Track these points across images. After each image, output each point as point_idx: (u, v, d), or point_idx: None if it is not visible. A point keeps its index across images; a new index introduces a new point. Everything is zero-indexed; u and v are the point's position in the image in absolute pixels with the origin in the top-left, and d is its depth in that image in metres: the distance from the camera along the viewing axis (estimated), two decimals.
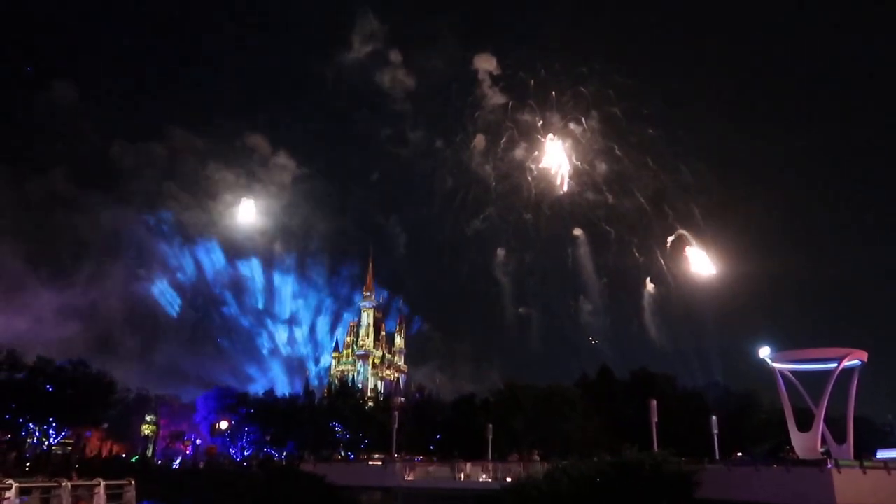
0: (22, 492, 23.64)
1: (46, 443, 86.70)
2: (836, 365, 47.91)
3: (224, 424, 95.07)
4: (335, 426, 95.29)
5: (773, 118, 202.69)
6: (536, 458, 58.10)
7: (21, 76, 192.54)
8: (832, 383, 48.23)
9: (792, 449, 52.20)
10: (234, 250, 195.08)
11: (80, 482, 27.78)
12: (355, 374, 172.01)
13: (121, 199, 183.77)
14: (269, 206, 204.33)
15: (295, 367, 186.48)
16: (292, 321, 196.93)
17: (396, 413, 74.65)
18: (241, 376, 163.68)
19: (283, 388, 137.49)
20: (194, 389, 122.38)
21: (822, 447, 48.67)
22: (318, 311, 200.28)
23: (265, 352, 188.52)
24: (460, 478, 54.74)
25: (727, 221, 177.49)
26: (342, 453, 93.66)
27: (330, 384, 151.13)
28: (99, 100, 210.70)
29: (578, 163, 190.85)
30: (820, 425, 48.10)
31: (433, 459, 72.56)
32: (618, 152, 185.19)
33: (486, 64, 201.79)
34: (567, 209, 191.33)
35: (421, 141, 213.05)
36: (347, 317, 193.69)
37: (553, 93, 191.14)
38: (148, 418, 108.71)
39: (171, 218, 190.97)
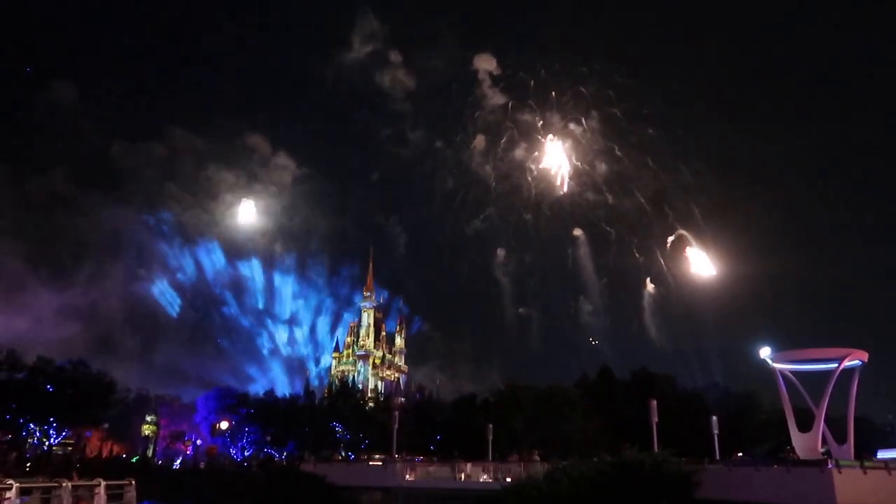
0: (22, 492, 23.63)
1: (47, 443, 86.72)
2: (836, 365, 47.90)
3: (224, 425, 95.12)
4: (335, 426, 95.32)
5: (773, 118, 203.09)
6: (537, 458, 58.13)
7: (21, 76, 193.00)
8: (833, 383, 48.23)
9: (792, 449, 52.18)
10: (235, 250, 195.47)
11: (81, 482, 27.78)
12: (356, 374, 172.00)
13: (121, 200, 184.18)
14: (270, 207, 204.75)
15: (295, 367, 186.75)
16: (292, 321, 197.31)
17: (397, 413, 74.67)
18: (241, 376, 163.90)
19: (283, 388, 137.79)
20: (194, 389, 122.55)
21: (822, 447, 48.68)
22: (318, 312, 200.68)
23: (265, 352, 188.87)
24: (460, 478, 54.74)
25: (727, 221, 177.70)
26: (342, 453, 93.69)
27: (330, 384, 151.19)
28: (99, 100, 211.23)
29: (578, 163, 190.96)
30: (820, 425, 48.09)
31: (433, 460, 72.64)
32: (618, 152, 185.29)
33: (486, 64, 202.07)
34: (567, 209, 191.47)
35: (421, 141, 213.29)
36: (348, 317, 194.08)
37: (553, 93, 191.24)
38: (148, 418, 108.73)
39: (172, 218, 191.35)
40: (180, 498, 61.77)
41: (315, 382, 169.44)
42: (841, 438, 48.94)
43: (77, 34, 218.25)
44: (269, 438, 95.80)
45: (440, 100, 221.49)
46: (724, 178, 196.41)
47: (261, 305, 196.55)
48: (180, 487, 65.11)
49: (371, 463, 69.55)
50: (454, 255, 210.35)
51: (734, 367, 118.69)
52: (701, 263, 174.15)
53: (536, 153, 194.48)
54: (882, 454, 59.61)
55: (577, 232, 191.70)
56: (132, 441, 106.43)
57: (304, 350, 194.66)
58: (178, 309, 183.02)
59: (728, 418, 67.45)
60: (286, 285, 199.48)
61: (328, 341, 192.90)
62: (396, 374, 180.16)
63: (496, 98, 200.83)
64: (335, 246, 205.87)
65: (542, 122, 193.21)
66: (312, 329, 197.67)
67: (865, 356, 49.28)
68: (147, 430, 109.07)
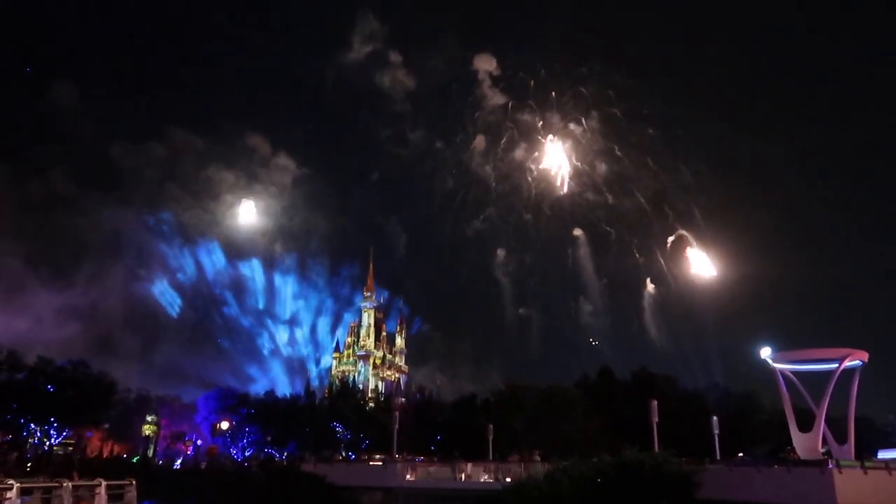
0: (23, 492, 23.68)
1: (47, 443, 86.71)
2: (837, 365, 47.94)
3: (225, 425, 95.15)
4: (336, 427, 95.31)
5: (773, 118, 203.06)
6: (537, 458, 58.20)
7: (21, 76, 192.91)
8: (833, 384, 48.24)
9: (793, 449, 52.20)
10: (235, 251, 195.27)
11: (82, 482, 27.83)
12: (356, 374, 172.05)
13: (121, 200, 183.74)
14: (270, 207, 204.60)
15: (296, 367, 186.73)
16: (293, 321, 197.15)
17: (397, 413, 74.72)
18: (241, 377, 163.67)
19: (283, 388, 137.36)
20: (195, 390, 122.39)
21: (823, 447, 48.73)
22: (318, 312, 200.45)
23: (266, 352, 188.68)
24: (461, 478, 54.79)
25: (727, 222, 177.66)
26: (343, 454, 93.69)
27: (331, 384, 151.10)
28: (99, 100, 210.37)
29: (578, 163, 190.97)
30: (821, 426, 48.11)
31: (434, 460, 72.69)
32: (618, 153, 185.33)
33: (486, 64, 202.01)
34: (567, 210, 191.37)
35: (421, 141, 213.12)
36: (348, 317, 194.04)
37: (553, 93, 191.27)
38: (149, 419, 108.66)
39: (172, 218, 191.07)
40: (181, 498, 61.79)
41: (315, 383, 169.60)
42: (841, 439, 48.96)
43: (77, 34, 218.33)
44: (269, 439, 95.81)
45: (440, 100, 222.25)
46: (724, 178, 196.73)
47: (261, 306, 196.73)
48: (181, 487, 65.11)
49: (371, 463, 69.68)
50: (454, 255, 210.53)
51: (735, 367, 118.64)
52: (701, 264, 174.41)
53: (536, 153, 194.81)
54: (883, 454, 59.73)
55: (577, 232, 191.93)
56: (133, 441, 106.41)
57: (305, 350, 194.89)
58: (178, 309, 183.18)
59: (728, 418, 67.49)
60: (286, 285, 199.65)
61: (328, 341, 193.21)
62: (397, 375, 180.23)
63: (496, 98, 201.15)
64: (335, 246, 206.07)
65: (542, 123, 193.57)
66: (313, 329, 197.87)
67: (866, 356, 49.30)
68: (148, 430, 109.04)
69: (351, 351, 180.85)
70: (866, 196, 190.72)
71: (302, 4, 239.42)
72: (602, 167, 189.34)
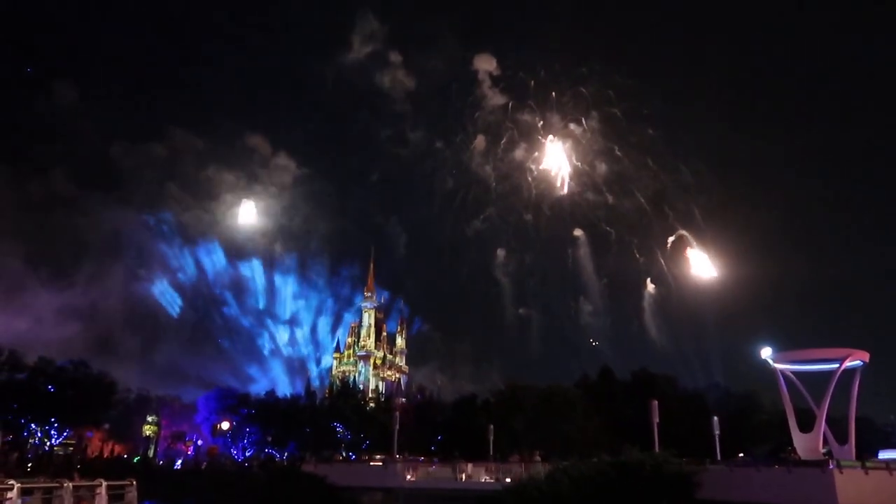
0: (24, 492, 23.66)
1: (48, 443, 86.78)
2: (837, 365, 47.91)
3: (225, 425, 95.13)
4: (336, 427, 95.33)
5: (773, 118, 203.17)
6: (537, 458, 58.19)
7: (21, 76, 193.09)
8: (834, 384, 48.21)
9: (793, 449, 52.21)
10: (235, 251, 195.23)
11: (82, 483, 27.81)
12: (356, 374, 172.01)
13: (121, 200, 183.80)
14: (270, 207, 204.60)
15: (296, 367, 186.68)
16: (293, 322, 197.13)
17: (398, 414, 74.78)
18: (242, 377, 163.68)
19: (284, 388, 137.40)
20: (195, 390, 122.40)
21: (823, 448, 48.72)
22: (318, 312, 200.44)
23: (266, 352, 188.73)
24: (461, 478, 54.79)
25: (727, 222, 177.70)
26: (343, 454, 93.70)
27: (331, 385, 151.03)
28: (99, 100, 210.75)
29: (578, 163, 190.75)
30: (822, 426, 48.09)
31: (434, 460, 72.61)
32: (618, 153, 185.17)
33: (486, 64, 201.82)
34: (567, 210, 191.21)
35: (421, 141, 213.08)
36: (348, 317, 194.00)
37: (553, 93, 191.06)
38: (149, 419, 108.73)
39: (172, 218, 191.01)
40: (181, 498, 61.80)
41: (316, 383, 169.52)
42: (842, 439, 48.94)
43: (77, 34, 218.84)
44: (269, 439, 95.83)
45: (440, 100, 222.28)
46: (724, 178, 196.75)
47: (261, 306, 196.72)
48: (181, 488, 65.15)
49: (372, 463, 69.64)
50: (454, 256, 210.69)
51: (735, 367, 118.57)
52: (701, 264, 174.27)
53: (536, 153, 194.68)
54: (883, 454, 59.69)
55: (578, 232, 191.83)
56: (133, 441, 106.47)
57: (305, 350, 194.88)
58: (178, 309, 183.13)
59: (729, 419, 67.50)
60: (286, 286, 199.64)
61: (329, 342, 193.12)
62: (397, 375, 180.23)
63: (496, 98, 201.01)
64: (335, 246, 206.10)
65: (542, 123, 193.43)
66: (313, 329, 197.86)
67: (867, 356, 49.28)
68: (148, 430, 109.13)
69: (351, 351, 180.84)
70: (866, 196, 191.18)
71: (302, 4, 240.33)
72: (602, 167, 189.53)
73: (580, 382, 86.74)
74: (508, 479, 49.98)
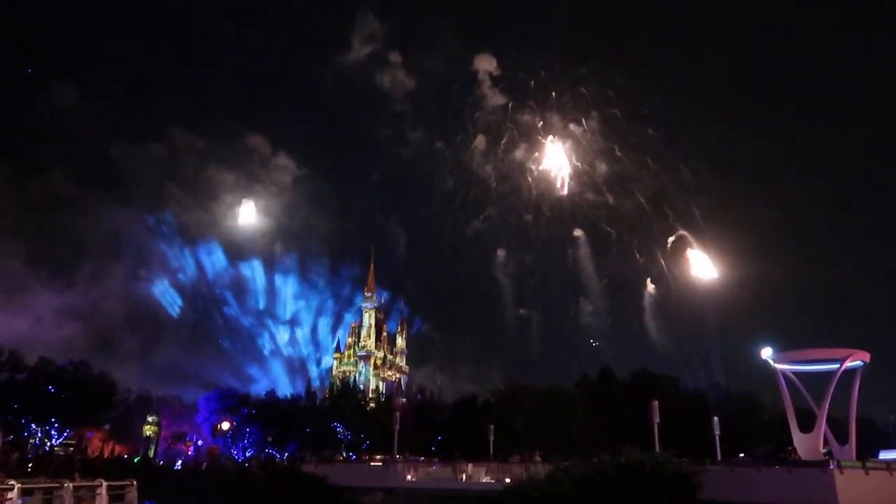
0: (24, 493, 23.70)
1: (48, 444, 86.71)
2: (838, 366, 47.89)
3: (226, 425, 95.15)
4: (337, 427, 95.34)
5: (773, 118, 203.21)
6: (538, 458, 58.16)
7: (21, 76, 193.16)
8: (834, 384, 48.19)
9: (794, 450, 52.21)
10: (235, 251, 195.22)
11: (83, 483, 27.86)
12: (357, 374, 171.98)
13: (121, 200, 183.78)
14: (270, 207, 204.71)
15: (296, 367, 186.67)
16: (293, 322, 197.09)
17: (398, 414, 74.77)
18: (242, 377, 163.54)
19: (284, 388, 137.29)
20: (195, 390, 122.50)
21: (824, 448, 48.70)
22: (319, 312, 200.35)
23: (266, 352, 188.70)
24: (462, 478, 54.77)
25: (727, 222, 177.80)
26: (344, 454, 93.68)
27: (331, 385, 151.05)
28: (99, 100, 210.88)
29: (578, 163, 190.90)
30: (822, 426, 48.07)
31: (435, 460, 72.64)
32: (618, 153, 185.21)
33: (486, 64, 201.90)
34: (567, 210, 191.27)
35: (421, 141, 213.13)
36: (349, 317, 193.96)
37: (553, 93, 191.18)
38: (150, 419, 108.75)
39: (172, 219, 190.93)
40: (182, 498, 61.78)
41: (316, 383, 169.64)
42: (842, 439, 48.91)
43: (77, 34, 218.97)
44: (270, 439, 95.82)
45: (440, 100, 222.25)
46: (724, 178, 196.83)
47: (261, 306, 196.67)
48: (182, 488, 65.10)
49: (372, 463, 69.63)
50: (454, 256, 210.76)
51: (735, 367, 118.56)
52: (701, 264, 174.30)
53: (537, 154, 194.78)
54: (884, 455, 59.75)
55: (578, 232, 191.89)
56: (134, 441, 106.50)
57: (305, 351, 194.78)
58: (178, 309, 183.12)
59: (729, 419, 67.47)
60: (287, 286, 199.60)
61: (329, 342, 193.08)
62: (397, 375, 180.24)
63: (496, 98, 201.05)
64: (335, 246, 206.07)
65: (542, 123, 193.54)
66: (313, 329, 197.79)
67: (867, 357, 49.25)
68: (148, 430, 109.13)
69: (352, 351, 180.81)
70: (866, 196, 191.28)
71: (302, 4, 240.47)
72: (602, 167, 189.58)
73: (580, 382, 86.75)
74: (509, 480, 49.94)
